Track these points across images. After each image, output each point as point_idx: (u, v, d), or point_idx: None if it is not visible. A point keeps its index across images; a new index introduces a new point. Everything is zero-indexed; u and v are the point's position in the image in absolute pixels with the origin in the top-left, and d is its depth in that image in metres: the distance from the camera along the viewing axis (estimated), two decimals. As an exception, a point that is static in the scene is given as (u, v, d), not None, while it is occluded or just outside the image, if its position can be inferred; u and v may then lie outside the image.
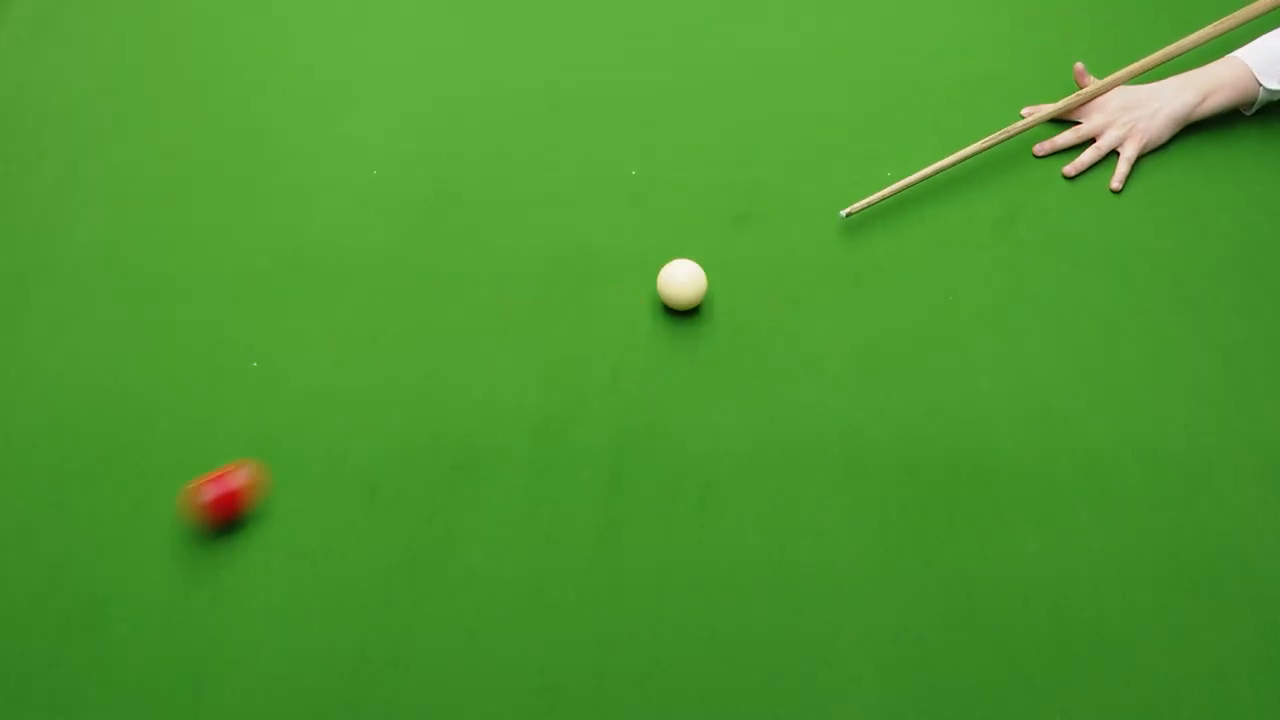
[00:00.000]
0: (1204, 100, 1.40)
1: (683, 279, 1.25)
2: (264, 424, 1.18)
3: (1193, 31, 1.41)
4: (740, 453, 1.17)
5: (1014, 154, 1.44)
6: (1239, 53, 1.41)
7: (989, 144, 1.39)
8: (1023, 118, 1.45)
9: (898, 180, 1.36)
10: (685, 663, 1.03)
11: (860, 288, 1.31)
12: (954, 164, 1.37)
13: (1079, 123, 1.45)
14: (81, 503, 1.12)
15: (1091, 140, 1.43)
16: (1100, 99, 1.44)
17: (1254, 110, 1.43)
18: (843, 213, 1.34)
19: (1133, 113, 1.41)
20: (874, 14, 1.62)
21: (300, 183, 1.41)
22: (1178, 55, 1.41)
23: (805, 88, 1.52)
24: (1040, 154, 1.43)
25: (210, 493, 1.08)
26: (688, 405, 1.20)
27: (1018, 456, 1.16)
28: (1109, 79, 1.43)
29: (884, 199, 1.35)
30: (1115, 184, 1.39)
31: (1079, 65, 1.46)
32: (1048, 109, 1.44)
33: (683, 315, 1.28)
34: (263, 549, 1.09)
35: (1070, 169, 1.41)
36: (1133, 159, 1.40)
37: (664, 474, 1.15)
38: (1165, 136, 1.42)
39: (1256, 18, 1.41)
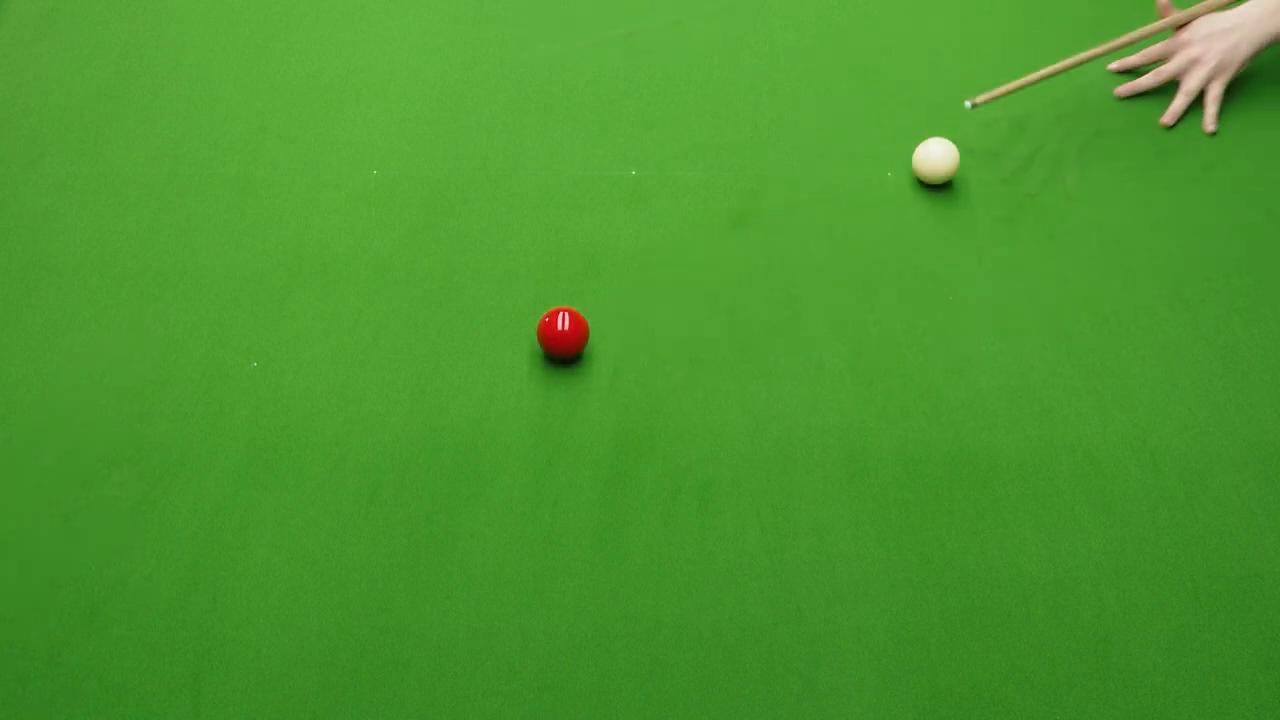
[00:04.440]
0: None
1: (937, 155, 1.34)
2: (264, 424, 1.18)
3: None
4: (740, 453, 1.17)
5: (1014, 154, 1.44)
6: None
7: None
8: (990, 89, 1.42)
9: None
10: (685, 663, 1.03)
11: (860, 287, 1.31)
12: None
13: (1161, 62, 1.44)
14: (81, 503, 1.12)
15: (1174, 83, 1.42)
16: (1184, 36, 1.42)
17: None
18: (968, 103, 1.37)
19: (1216, 46, 1.39)
20: (874, 14, 1.62)
21: (300, 183, 1.41)
22: None
23: (806, 88, 1.52)
24: (1122, 95, 1.43)
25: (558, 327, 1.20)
26: (688, 405, 1.20)
27: (1018, 456, 1.16)
28: (1191, 10, 1.40)
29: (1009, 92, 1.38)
30: (1209, 126, 1.40)
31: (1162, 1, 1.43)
32: (1130, 36, 1.40)
33: (936, 188, 1.38)
34: (263, 549, 1.09)
35: (1167, 118, 1.41)
36: (1220, 98, 1.40)
37: (664, 474, 1.15)
38: (1247, 64, 1.41)
39: None
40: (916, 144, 1.39)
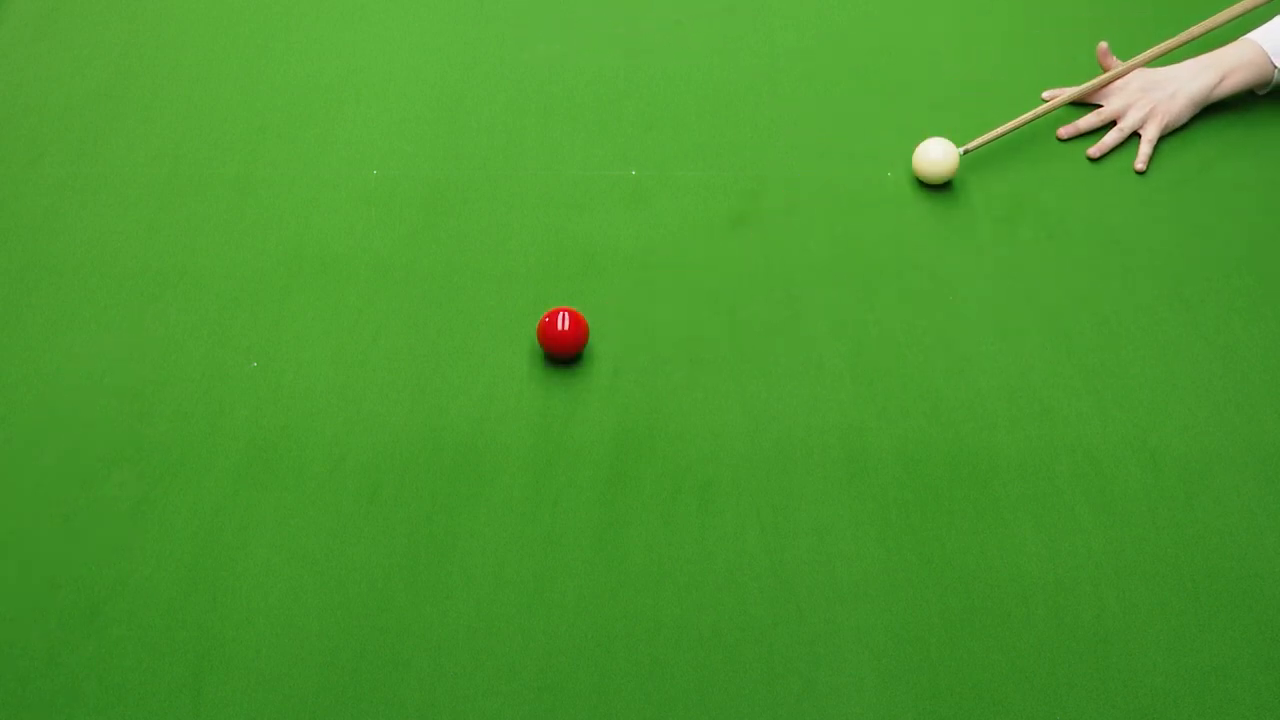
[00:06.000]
0: (1222, 81, 1.42)
1: (937, 155, 1.35)
2: (264, 424, 1.18)
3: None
4: (740, 453, 1.17)
5: (1014, 154, 1.44)
6: (1253, 35, 1.43)
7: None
8: (1044, 101, 1.46)
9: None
10: (685, 663, 1.03)
11: (860, 287, 1.31)
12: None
13: (1100, 106, 1.46)
14: (81, 503, 1.12)
15: (1113, 123, 1.45)
16: (1120, 81, 1.46)
17: (1267, 91, 1.44)
18: (961, 150, 1.38)
19: (1152, 94, 1.43)
20: (874, 14, 1.62)
21: (300, 183, 1.41)
22: (1198, 37, 1.42)
23: (805, 88, 1.52)
24: (1064, 137, 1.45)
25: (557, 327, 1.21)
26: (688, 405, 1.20)
27: (1018, 456, 1.16)
28: (1130, 62, 1.44)
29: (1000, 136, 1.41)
30: (1139, 165, 1.41)
31: (1103, 45, 1.46)
32: (1069, 92, 1.45)
33: (936, 188, 1.39)
34: (263, 549, 1.09)
35: (1094, 151, 1.43)
36: (1154, 140, 1.42)
37: (664, 474, 1.15)
38: (1185, 117, 1.44)
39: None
40: (916, 144, 1.39)
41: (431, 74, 1.54)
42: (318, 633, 1.04)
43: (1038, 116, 1.42)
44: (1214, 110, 1.47)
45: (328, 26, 1.60)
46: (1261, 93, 1.46)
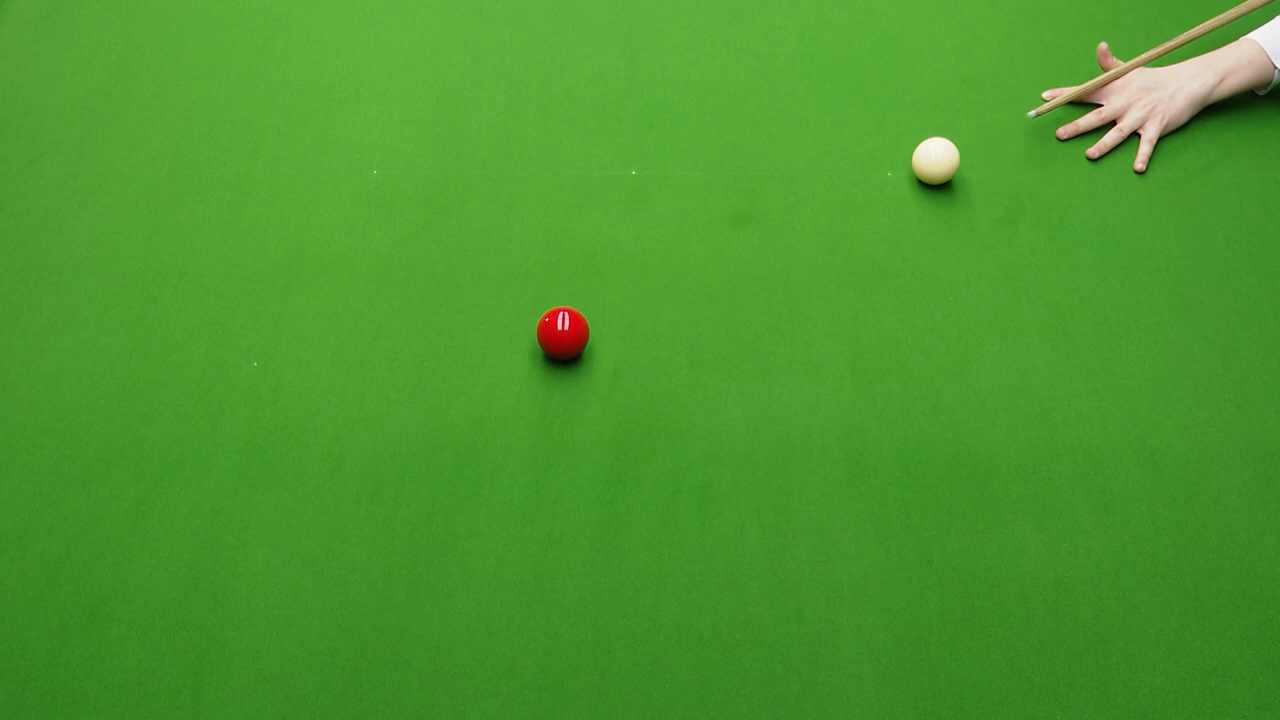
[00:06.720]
0: (1222, 81, 1.42)
1: (937, 155, 1.35)
2: (264, 424, 1.18)
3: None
4: (740, 453, 1.17)
5: (1014, 154, 1.44)
6: (1253, 35, 1.43)
7: (1076, 94, 1.42)
8: (1044, 101, 1.46)
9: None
10: (685, 663, 1.03)
11: (860, 287, 1.31)
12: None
13: (1100, 105, 1.46)
14: (81, 503, 1.12)
15: (1113, 123, 1.45)
16: (1120, 81, 1.46)
17: (1267, 91, 1.44)
18: (1030, 113, 1.42)
19: (1153, 94, 1.43)
20: (874, 14, 1.62)
21: (300, 183, 1.41)
22: (1198, 37, 1.42)
23: (805, 88, 1.52)
24: (1064, 137, 1.45)
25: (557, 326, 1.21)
26: (688, 405, 1.20)
27: (1018, 456, 1.16)
28: (1130, 62, 1.44)
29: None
30: (1139, 165, 1.41)
31: (1103, 45, 1.46)
32: (1069, 91, 1.45)
33: (936, 188, 1.40)
34: (263, 549, 1.09)
35: (1094, 150, 1.43)
36: (1154, 140, 1.42)
37: (664, 474, 1.15)
38: (1185, 117, 1.44)
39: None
40: (916, 144, 1.39)
41: (431, 74, 1.54)
42: (318, 633, 1.04)
43: (1103, 84, 1.45)
44: (1214, 110, 1.47)
45: (328, 26, 1.60)
46: (1261, 93, 1.46)
